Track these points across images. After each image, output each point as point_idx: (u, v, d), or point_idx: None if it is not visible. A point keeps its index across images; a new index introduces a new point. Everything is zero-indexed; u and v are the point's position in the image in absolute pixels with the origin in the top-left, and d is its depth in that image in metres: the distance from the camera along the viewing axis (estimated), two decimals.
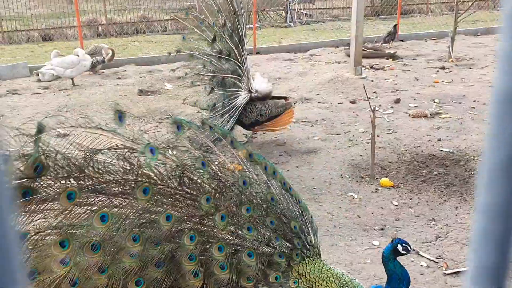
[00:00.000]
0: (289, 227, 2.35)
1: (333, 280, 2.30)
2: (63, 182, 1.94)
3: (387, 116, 6.81)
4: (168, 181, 2.13)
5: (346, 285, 2.30)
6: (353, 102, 7.50)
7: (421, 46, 12.31)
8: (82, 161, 2.04)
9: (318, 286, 2.27)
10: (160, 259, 2.06)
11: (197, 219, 2.16)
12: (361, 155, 5.46)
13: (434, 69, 9.60)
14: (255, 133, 6.24)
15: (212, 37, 5.51)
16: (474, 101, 7.31)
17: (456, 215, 4.18)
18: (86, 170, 2.00)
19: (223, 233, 2.18)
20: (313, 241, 2.44)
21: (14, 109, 7.57)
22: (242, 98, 5.59)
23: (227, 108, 5.56)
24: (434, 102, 7.34)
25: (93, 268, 1.93)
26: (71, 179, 1.97)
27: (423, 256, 3.56)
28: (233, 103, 5.56)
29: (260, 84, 5.82)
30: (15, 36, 15.25)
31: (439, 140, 5.84)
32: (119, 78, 9.35)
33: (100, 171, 2.03)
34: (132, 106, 7.52)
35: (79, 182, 1.97)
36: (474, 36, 13.48)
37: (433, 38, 13.20)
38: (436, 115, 6.73)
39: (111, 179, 2.05)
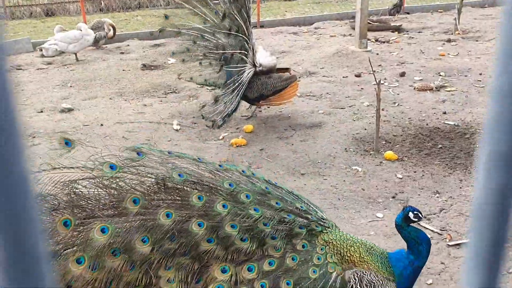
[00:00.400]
0: (295, 207, 2.41)
1: (360, 245, 2.38)
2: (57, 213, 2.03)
3: (392, 89, 6.77)
4: (154, 193, 2.19)
5: (371, 249, 2.39)
6: (358, 75, 7.45)
7: (427, 18, 12.13)
8: (68, 198, 2.10)
9: (346, 251, 2.34)
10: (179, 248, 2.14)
11: (199, 212, 2.20)
12: (365, 129, 5.45)
13: (440, 41, 9.48)
14: (259, 108, 6.23)
15: (222, 14, 5.46)
16: (480, 74, 7.24)
17: (460, 187, 4.19)
18: (76, 203, 2.08)
19: (229, 218, 2.23)
20: (325, 216, 2.52)
21: (18, 84, 7.57)
22: (247, 73, 5.56)
23: (236, 84, 5.53)
24: (440, 75, 7.28)
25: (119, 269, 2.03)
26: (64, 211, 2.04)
27: (427, 228, 3.58)
28: (240, 79, 5.54)
29: (264, 58, 5.77)
30: (18, 11, 15.13)
31: (444, 113, 5.82)
32: (122, 53, 9.31)
33: (89, 201, 2.10)
34: (135, 81, 7.50)
35: (74, 211, 2.06)
36: (481, 8, 13.26)
37: (439, 10, 13.00)
38: (441, 88, 6.68)
39: (101, 204, 2.12)
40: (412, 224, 2.44)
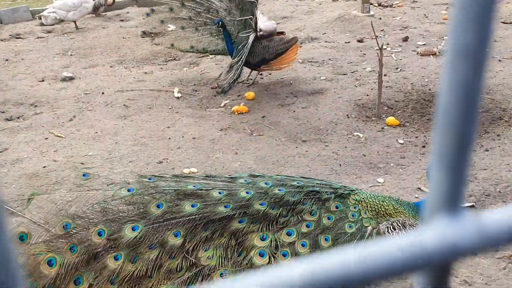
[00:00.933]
0: (315, 183, 2.56)
1: (390, 199, 2.52)
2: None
3: (394, 54, 6.70)
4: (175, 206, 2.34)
5: (400, 201, 2.53)
6: (360, 41, 7.36)
7: None
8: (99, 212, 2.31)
9: (380, 206, 2.48)
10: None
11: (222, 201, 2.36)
12: (367, 95, 5.43)
13: (444, 5, 9.31)
14: (261, 74, 6.19)
15: None
16: None
17: None
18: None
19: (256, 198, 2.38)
20: (345, 185, 2.68)
21: (18, 53, 7.53)
22: (250, 38, 5.51)
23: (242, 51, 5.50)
24: (443, 39, 7.19)
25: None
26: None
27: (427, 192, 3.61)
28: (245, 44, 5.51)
29: (263, 23, 5.72)
30: None
31: None
32: (122, 21, 9.19)
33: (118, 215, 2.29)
34: (135, 48, 7.44)
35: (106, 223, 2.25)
36: None
37: None
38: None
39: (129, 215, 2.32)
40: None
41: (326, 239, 2.32)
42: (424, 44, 7.01)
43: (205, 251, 2.20)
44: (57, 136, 4.75)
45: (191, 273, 2.15)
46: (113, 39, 7.89)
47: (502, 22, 7.93)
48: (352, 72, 6.17)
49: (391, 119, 4.78)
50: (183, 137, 4.68)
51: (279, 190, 2.41)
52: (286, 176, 2.68)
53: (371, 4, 8.99)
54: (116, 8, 10.07)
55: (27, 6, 9.98)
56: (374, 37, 5.45)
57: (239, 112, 5.21)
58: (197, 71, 6.44)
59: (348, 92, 5.57)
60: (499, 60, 6.27)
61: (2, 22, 9.36)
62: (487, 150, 4.19)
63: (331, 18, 8.30)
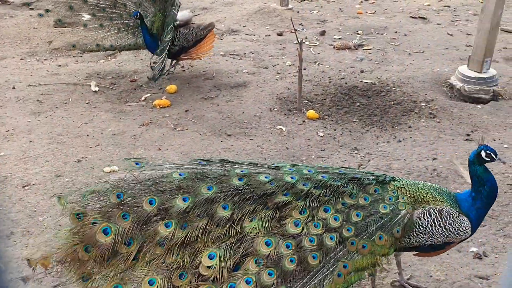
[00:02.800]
0: (357, 171, 2.71)
1: (429, 187, 2.62)
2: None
3: (312, 48, 6.89)
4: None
5: (440, 190, 2.63)
6: (280, 34, 7.49)
7: None
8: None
9: (419, 193, 2.57)
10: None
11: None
12: (288, 89, 5.54)
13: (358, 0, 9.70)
14: (182, 66, 6.11)
15: None
16: (396, 32, 7.53)
17: (377, 143, 4.42)
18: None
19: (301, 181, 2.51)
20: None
21: None
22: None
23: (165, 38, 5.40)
24: (358, 33, 7.49)
25: None
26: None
27: None
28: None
29: (179, 13, 5.68)
30: None
31: (362, 71, 6.03)
32: (32, 9, 8.62)
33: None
34: (48, 39, 7.04)
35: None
36: None
37: None
38: (359, 46, 6.90)
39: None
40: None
41: (357, 215, 2.44)
42: (340, 38, 7.27)
43: (250, 221, 2.33)
44: None
45: (235, 239, 2.28)
46: (22, 29, 7.40)
47: (411, 17, 8.40)
48: (273, 66, 6.27)
49: (311, 113, 4.92)
50: (102, 133, 4.53)
51: (322, 176, 2.52)
52: (328, 166, 2.81)
53: None
54: None
55: None
56: (293, 31, 5.56)
57: (161, 106, 5.12)
58: (115, 64, 6.23)
59: (270, 85, 5.65)
60: (409, 53, 6.65)
61: None
62: (399, 141, 4.44)
63: (251, 10, 8.35)
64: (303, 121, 4.82)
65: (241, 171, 2.46)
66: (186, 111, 5.03)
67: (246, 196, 2.36)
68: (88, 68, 6.02)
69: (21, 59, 6.35)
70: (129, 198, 2.26)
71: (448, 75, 5.81)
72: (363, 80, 5.78)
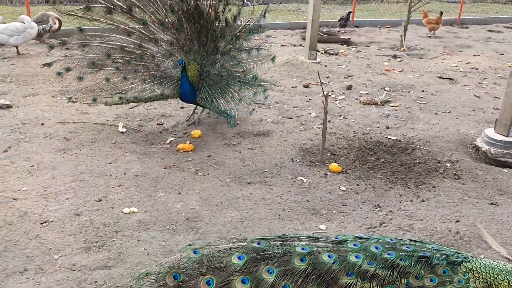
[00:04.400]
0: (426, 248, 2.47)
1: (507, 273, 2.33)
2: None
3: (338, 102, 6.92)
4: None
5: None
6: (306, 86, 7.57)
7: (375, 33, 12.53)
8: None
9: (494, 279, 2.31)
10: None
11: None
12: (312, 140, 5.53)
13: (386, 57, 9.81)
14: (208, 112, 6.19)
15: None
16: (423, 91, 7.54)
17: (400, 202, 4.33)
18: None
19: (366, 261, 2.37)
20: (459, 251, 2.55)
21: None
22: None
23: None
24: (385, 90, 7.52)
25: None
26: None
27: None
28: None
29: None
30: None
31: (388, 127, 6.01)
32: (68, 49, 8.97)
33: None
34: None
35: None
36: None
37: (387, 26, 13.47)
38: (386, 103, 6.90)
39: None
40: None
41: None
42: (366, 93, 7.30)
43: None
44: None
45: None
46: (57, 67, 7.64)
47: (438, 77, 8.42)
48: (298, 117, 6.30)
49: (334, 166, 4.88)
50: (125, 174, 4.55)
51: (388, 254, 2.36)
52: (396, 238, 2.61)
53: (318, 51, 9.32)
54: (62, 35, 9.84)
55: None
56: (319, 84, 5.61)
57: (184, 150, 5.15)
58: (143, 106, 6.35)
59: (293, 136, 5.66)
60: (435, 113, 6.61)
61: None
62: (423, 201, 4.34)
63: (279, 62, 8.50)
64: (325, 174, 4.77)
65: (302, 249, 2.34)
66: (208, 156, 5.04)
67: (309, 278, 2.24)
68: (117, 109, 6.14)
69: (52, 96, 6.53)
70: (186, 279, 2.19)
71: (474, 136, 5.73)
72: (389, 136, 5.74)
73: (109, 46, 5.19)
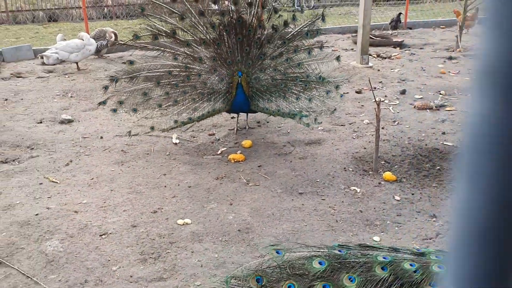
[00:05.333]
0: None
1: None
2: None
3: (392, 107, 6.78)
4: None
5: None
6: (358, 92, 7.46)
7: (429, 34, 12.18)
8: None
9: None
10: None
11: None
12: (365, 148, 5.44)
13: (441, 59, 9.51)
14: (258, 122, 6.23)
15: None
16: None
17: None
18: None
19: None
20: None
21: (17, 93, 7.58)
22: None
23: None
24: (440, 93, 7.29)
25: None
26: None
27: None
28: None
29: None
30: (20, 15, 15.16)
31: (444, 133, 5.82)
32: (124, 63, 9.30)
33: None
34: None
35: None
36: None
37: (441, 27, 13.06)
38: (441, 107, 6.69)
39: None
40: None
41: None
42: (421, 98, 7.10)
43: None
44: (52, 181, 4.72)
45: None
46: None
47: None
48: (350, 124, 6.22)
49: (388, 174, 4.77)
50: (178, 185, 4.65)
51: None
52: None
53: (370, 55, 9.17)
54: (118, 50, 10.23)
55: (30, 45, 10.13)
56: (371, 89, 5.51)
57: (235, 161, 5.21)
58: None
59: (346, 144, 5.59)
60: None
61: (4, 60, 9.48)
62: None
63: (330, 68, 8.42)
64: (379, 183, 4.68)
65: (383, 258, 2.34)
66: (259, 166, 5.07)
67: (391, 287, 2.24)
68: (171, 121, 6.29)
69: (110, 110, 6.78)
70: (269, 283, 2.24)
71: None
72: (445, 143, 5.56)
73: (157, 74, 5.31)
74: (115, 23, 14.02)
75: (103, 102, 5.38)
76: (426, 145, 5.52)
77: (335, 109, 6.14)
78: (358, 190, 4.56)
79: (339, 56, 5.91)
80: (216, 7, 5.39)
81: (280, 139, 5.80)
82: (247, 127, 6.10)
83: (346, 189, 4.59)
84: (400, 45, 10.78)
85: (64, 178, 4.80)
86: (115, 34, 9.68)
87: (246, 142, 5.63)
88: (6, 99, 7.26)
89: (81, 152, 5.45)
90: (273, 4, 5.53)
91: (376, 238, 3.79)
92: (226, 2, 5.40)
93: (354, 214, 4.15)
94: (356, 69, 8.34)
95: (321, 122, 5.95)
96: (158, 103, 5.38)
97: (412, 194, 4.47)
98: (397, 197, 4.42)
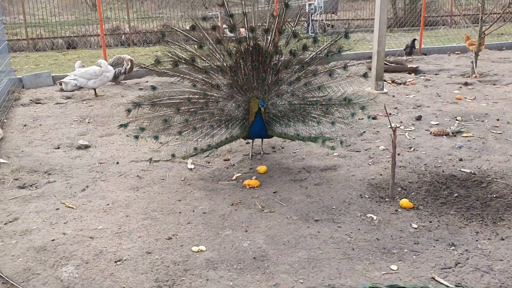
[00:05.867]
0: None
1: None
2: None
3: (408, 133, 6.74)
4: None
5: None
6: (374, 117, 7.44)
7: (444, 60, 12.17)
8: None
9: None
10: None
11: None
12: (381, 174, 5.40)
13: (457, 85, 9.48)
14: (273, 147, 6.23)
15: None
16: (498, 120, 7.18)
17: (476, 240, 4.10)
18: None
19: None
20: None
21: (36, 119, 7.71)
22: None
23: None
24: (456, 119, 7.24)
25: None
26: None
27: (442, 283, 3.49)
28: None
29: None
30: (40, 43, 15.54)
31: (461, 160, 5.75)
32: (141, 89, 9.44)
33: None
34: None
35: None
36: (498, 51, 13.29)
37: (456, 52, 13.05)
38: (458, 133, 6.64)
39: None
40: None
41: None
42: (437, 124, 7.06)
43: None
44: (68, 207, 4.75)
45: None
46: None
47: None
48: (366, 150, 6.19)
49: (404, 202, 4.72)
50: (193, 211, 4.65)
51: None
52: None
53: (385, 80, 9.18)
54: (135, 76, 10.39)
55: (50, 72, 10.36)
56: (386, 115, 5.48)
57: (250, 186, 5.20)
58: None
59: (362, 170, 5.56)
60: None
61: (24, 86, 9.69)
62: (502, 239, 4.08)
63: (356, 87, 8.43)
64: (396, 210, 4.62)
65: None
66: (274, 192, 5.05)
67: None
68: (191, 148, 6.33)
69: (127, 136, 6.86)
70: None
71: None
72: (462, 169, 5.49)
73: (177, 101, 5.36)
74: (132, 50, 14.27)
75: (124, 125, 5.39)
76: (443, 171, 5.46)
77: (364, 132, 6.11)
78: (375, 217, 4.51)
79: (366, 73, 5.82)
80: (233, 35, 5.46)
81: (295, 164, 5.79)
82: (262, 153, 6.12)
83: (363, 216, 4.54)
84: (415, 71, 10.78)
85: (80, 203, 4.83)
86: (131, 61, 9.85)
87: (261, 168, 5.63)
88: (25, 125, 7.39)
89: (97, 177, 5.49)
90: (293, 29, 5.54)
91: (394, 267, 3.72)
92: (242, 30, 5.45)
93: (370, 242, 4.09)
94: (371, 95, 8.34)
95: (349, 145, 5.93)
96: (179, 130, 5.41)
97: (430, 222, 4.40)
98: (414, 225, 4.35)
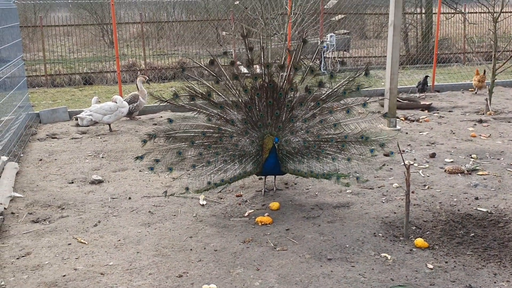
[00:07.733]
0: None
1: None
2: None
3: (422, 171, 6.68)
4: None
5: None
6: (387, 155, 7.39)
7: (458, 97, 12.16)
8: None
9: None
10: None
11: None
12: (395, 212, 5.33)
13: (471, 122, 9.43)
14: (286, 183, 6.19)
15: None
16: None
17: (495, 282, 3.98)
18: None
19: None
20: None
21: (52, 153, 7.80)
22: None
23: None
24: (471, 157, 7.17)
25: None
26: None
27: None
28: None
29: None
30: (58, 79, 15.88)
31: (476, 198, 5.66)
32: (155, 124, 9.54)
33: None
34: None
35: None
36: None
37: (470, 89, 13.04)
38: (473, 171, 6.56)
39: None
40: None
41: None
42: (451, 162, 6.99)
43: None
44: (80, 242, 4.74)
45: None
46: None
47: None
48: (379, 187, 6.13)
49: (419, 241, 4.63)
50: (205, 248, 4.61)
51: None
52: None
53: (398, 118, 9.17)
54: (150, 111, 10.53)
55: (66, 107, 10.55)
56: (399, 152, 5.45)
57: (263, 223, 5.15)
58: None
59: (375, 208, 5.49)
60: None
61: (41, 121, 9.86)
62: None
63: (356, 131, 8.42)
64: (411, 250, 4.53)
65: None
66: (286, 230, 4.99)
67: None
68: (204, 183, 6.32)
69: (139, 171, 6.89)
70: None
71: None
72: (478, 208, 5.40)
73: (191, 134, 5.43)
74: (147, 86, 14.51)
75: (140, 157, 5.47)
76: (458, 210, 5.37)
77: (384, 164, 6.06)
78: (389, 257, 4.42)
79: (386, 113, 5.82)
80: (247, 71, 5.54)
81: (308, 201, 5.75)
82: (274, 189, 6.09)
83: (376, 255, 4.45)
84: (428, 108, 10.77)
85: (92, 238, 4.82)
86: (145, 78, 10.21)
87: (274, 204, 5.59)
88: (40, 159, 7.48)
89: (110, 212, 5.50)
90: (310, 64, 5.58)
91: None
92: (257, 67, 5.53)
93: (385, 282, 4.00)
94: (384, 132, 8.32)
95: (367, 181, 5.90)
96: (192, 164, 5.45)
97: (446, 262, 4.30)
98: (429, 265, 4.26)
